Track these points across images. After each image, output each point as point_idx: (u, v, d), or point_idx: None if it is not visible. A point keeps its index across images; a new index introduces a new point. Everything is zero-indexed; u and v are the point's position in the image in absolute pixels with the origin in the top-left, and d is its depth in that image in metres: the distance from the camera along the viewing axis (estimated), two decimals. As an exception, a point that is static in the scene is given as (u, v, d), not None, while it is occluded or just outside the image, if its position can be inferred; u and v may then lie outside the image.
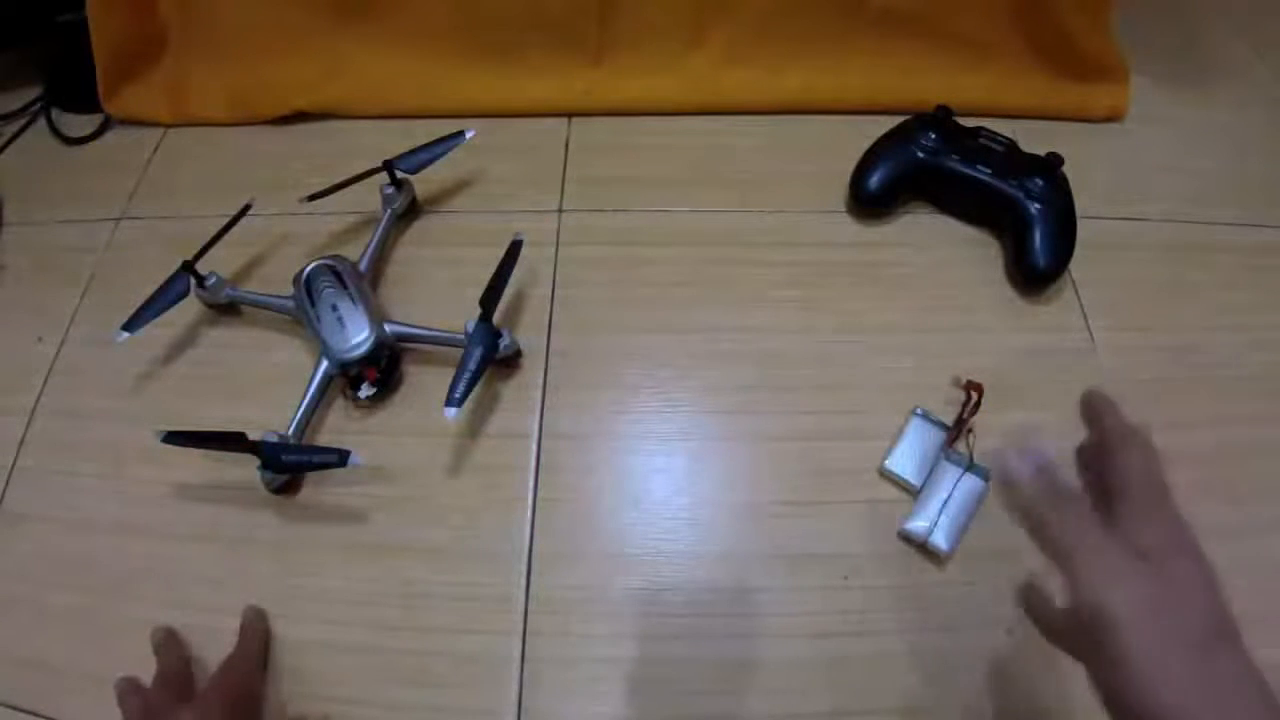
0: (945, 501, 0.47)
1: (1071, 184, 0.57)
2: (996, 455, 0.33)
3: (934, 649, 0.45)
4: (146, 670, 0.44)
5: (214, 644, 0.45)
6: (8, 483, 0.51)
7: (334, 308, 0.52)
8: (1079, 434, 0.50)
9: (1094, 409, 0.34)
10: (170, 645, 0.44)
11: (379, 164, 0.57)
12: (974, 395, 0.50)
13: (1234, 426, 0.51)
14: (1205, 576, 0.28)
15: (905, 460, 0.49)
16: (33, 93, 0.69)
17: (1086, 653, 0.28)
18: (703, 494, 0.50)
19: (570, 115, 0.67)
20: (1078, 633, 0.29)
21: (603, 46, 0.66)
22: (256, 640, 0.44)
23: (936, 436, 0.50)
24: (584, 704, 0.44)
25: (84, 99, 0.67)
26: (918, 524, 0.47)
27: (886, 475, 0.49)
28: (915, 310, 0.56)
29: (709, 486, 0.50)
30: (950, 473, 0.48)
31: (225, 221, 0.56)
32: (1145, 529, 0.29)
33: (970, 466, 0.48)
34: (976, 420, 0.50)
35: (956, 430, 0.50)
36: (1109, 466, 0.32)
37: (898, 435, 0.50)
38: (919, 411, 0.51)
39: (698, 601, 0.46)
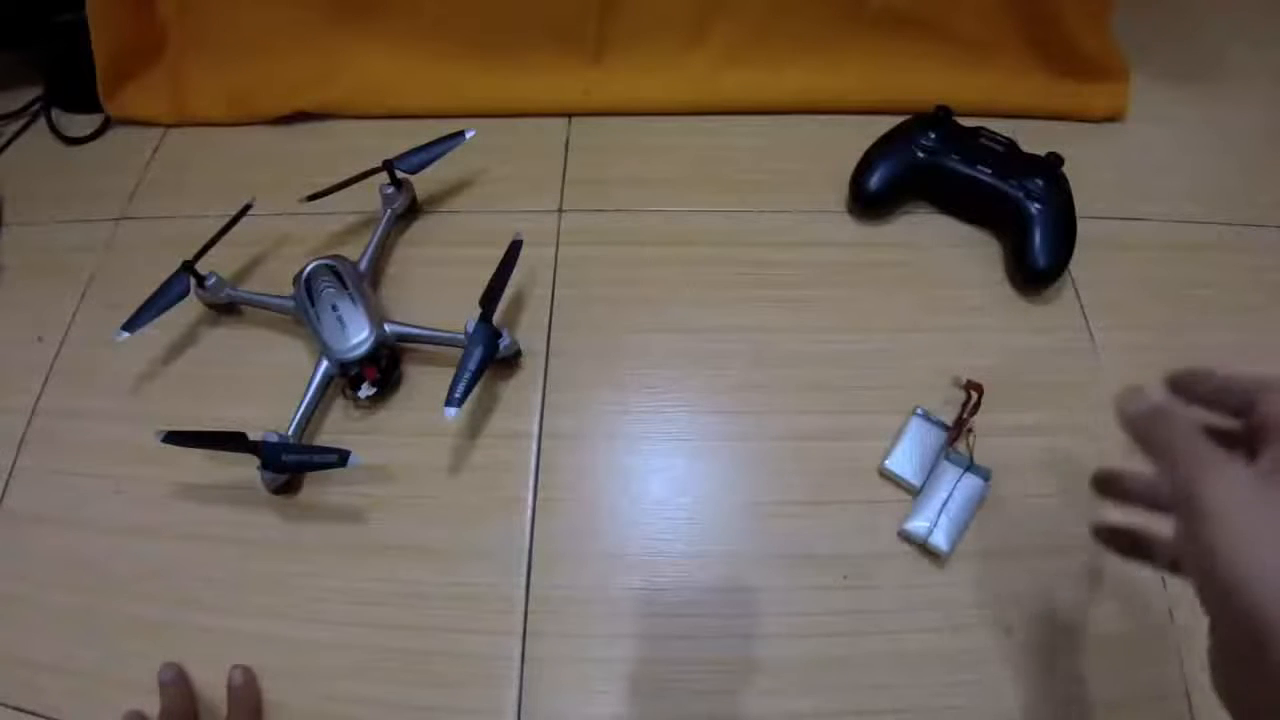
0: (945, 501, 0.47)
1: (1071, 184, 0.57)
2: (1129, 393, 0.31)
3: (934, 650, 0.45)
4: (146, 670, 0.44)
5: (214, 644, 0.45)
6: (8, 483, 0.51)
7: (334, 308, 0.52)
8: (1079, 433, 0.51)
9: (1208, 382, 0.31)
10: (177, 686, 0.43)
11: (379, 164, 0.57)
12: (974, 395, 0.50)
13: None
14: None
15: (905, 460, 0.49)
16: (33, 93, 0.69)
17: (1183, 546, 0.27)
18: (702, 494, 0.50)
19: (570, 115, 0.67)
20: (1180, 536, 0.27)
21: (602, 46, 0.66)
22: (249, 704, 0.43)
23: (937, 437, 0.50)
24: (584, 704, 0.44)
25: (84, 99, 0.67)
26: (918, 524, 0.47)
27: (886, 475, 0.49)
28: (915, 310, 0.56)
29: (709, 486, 0.50)
30: (950, 472, 0.48)
31: (225, 221, 0.56)
32: None
33: (970, 466, 0.48)
34: (977, 420, 0.50)
35: (957, 430, 0.50)
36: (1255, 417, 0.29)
37: (898, 435, 0.50)
38: (919, 411, 0.51)
39: (698, 601, 0.46)
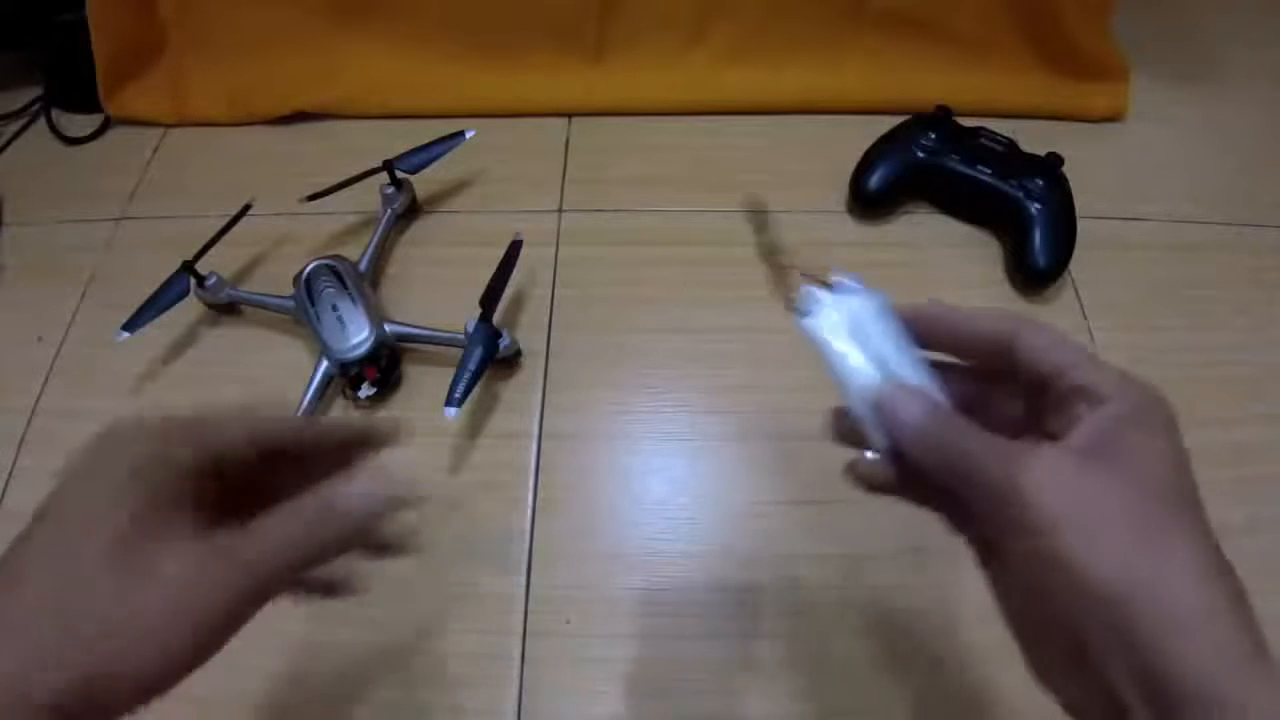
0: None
1: (1071, 184, 0.57)
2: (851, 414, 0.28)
3: (934, 649, 0.45)
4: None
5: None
6: (8, 483, 0.51)
7: (334, 308, 0.52)
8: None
9: (949, 320, 0.28)
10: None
11: (379, 164, 0.57)
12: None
13: (1237, 426, 0.51)
14: (1162, 449, 0.24)
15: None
16: (33, 93, 0.69)
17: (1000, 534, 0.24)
18: (703, 493, 0.50)
19: (570, 115, 0.67)
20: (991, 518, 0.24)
21: (603, 45, 0.66)
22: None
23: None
24: (584, 704, 0.44)
25: (84, 99, 0.67)
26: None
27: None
28: (915, 310, 0.56)
29: (709, 486, 0.50)
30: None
31: (225, 221, 0.56)
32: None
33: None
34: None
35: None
36: (1016, 366, 0.26)
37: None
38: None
39: (698, 601, 0.46)
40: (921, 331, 0.28)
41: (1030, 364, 0.26)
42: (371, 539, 0.33)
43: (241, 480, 0.27)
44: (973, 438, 0.24)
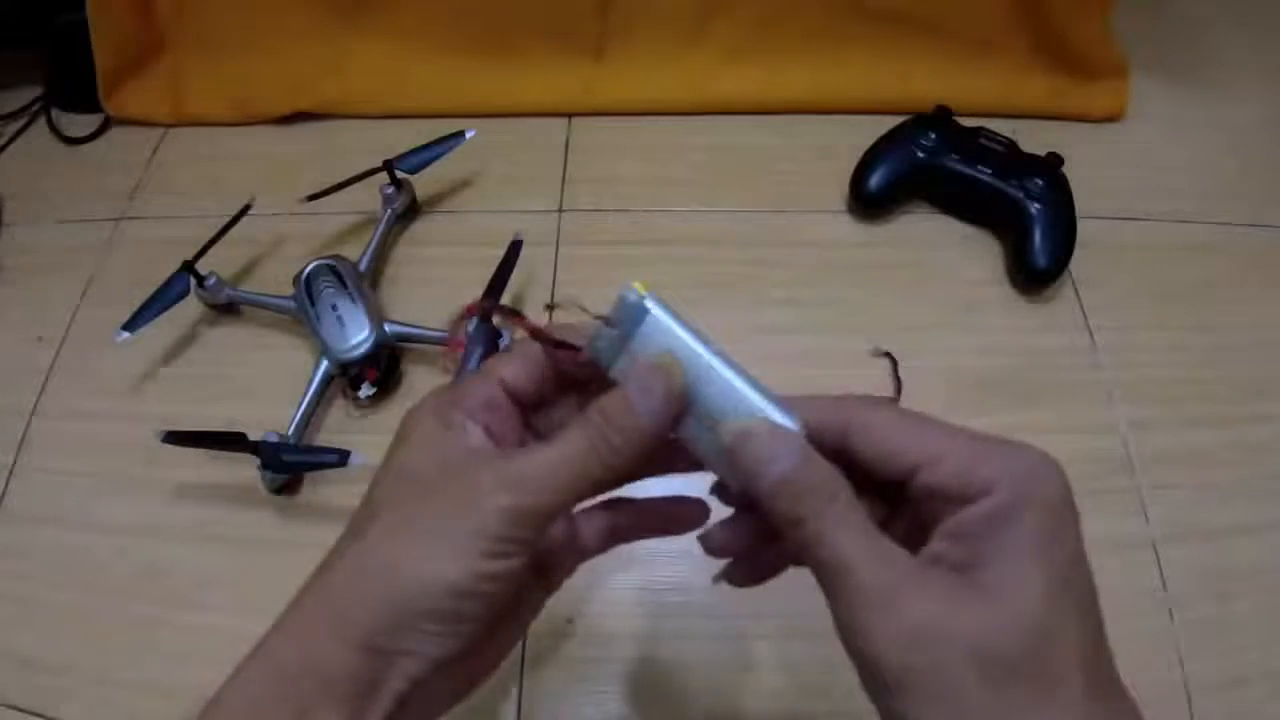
0: None
1: (1071, 184, 0.57)
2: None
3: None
4: (146, 671, 0.44)
5: (214, 644, 0.44)
6: (8, 483, 0.51)
7: (334, 308, 0.52)
8: (1078, 433, 0.51)
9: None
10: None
11: (379, 164, 0.57)
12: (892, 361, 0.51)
13: (1238, 426, 0.51)
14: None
15: None
16: (33, 93, 0.69)
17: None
18: (703, 493, 0.50)
19: (570, 115, 0.67)
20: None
21: (603, 44, 0.66)
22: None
23: None
24: (584, 704, 0.44)
25: (84, 99, 0.67)
26: None
27: None
28: (915, 310, 0.56)
29: (709, 485, 0.50)
30: None
31: (225, 221, 0.56)
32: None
33: None
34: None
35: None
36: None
37: None
38: None
39: (698, 601, 0.46)
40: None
41: (873, 456, 0.23)
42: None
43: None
44: (845, 520, 0.22)
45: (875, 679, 0.20)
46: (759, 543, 0.26)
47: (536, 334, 0.26)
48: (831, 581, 0.22)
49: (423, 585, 0.22)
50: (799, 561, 0.25)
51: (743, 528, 0.26)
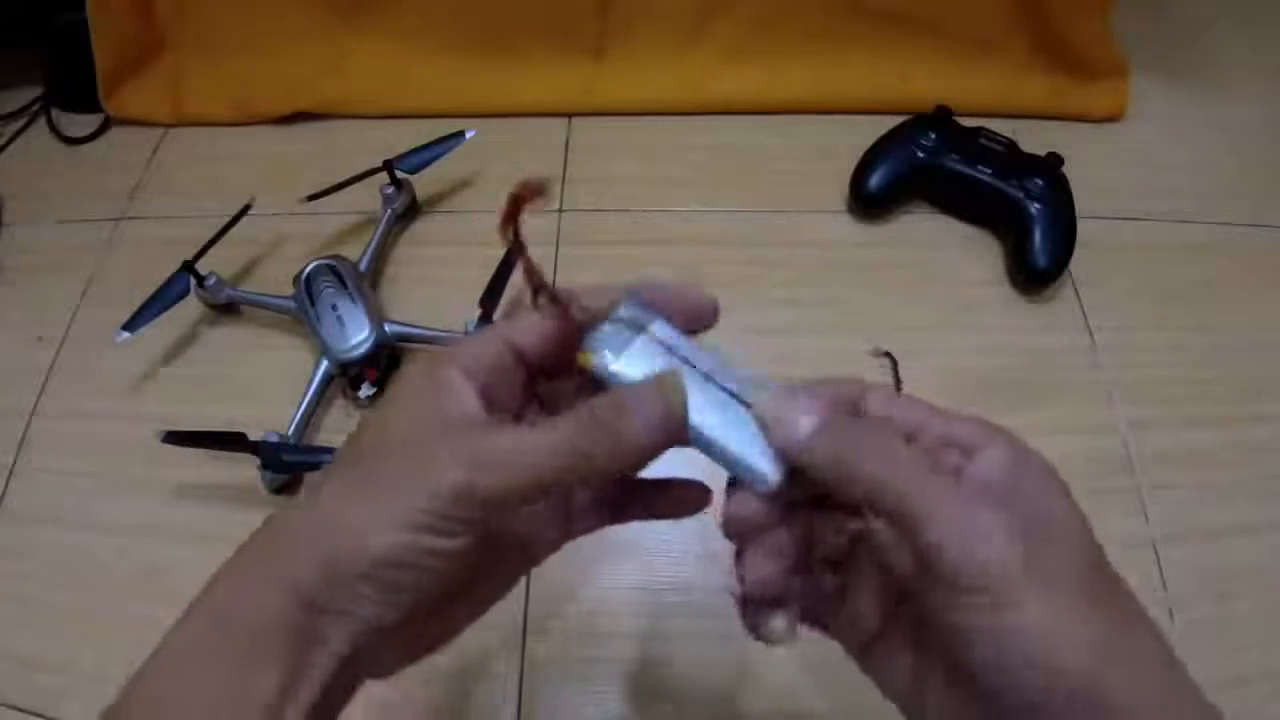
0: None
1: (1071, 184, 0.57)
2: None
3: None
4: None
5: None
6: (8, 483, 0.51)
7: (334, 308, 0.52)
8: (1078, 433, 0.51)
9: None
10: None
11: (379, 164, 0.57)
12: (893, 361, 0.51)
13: (1238, 426, 0.51)
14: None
15: None
16: (33, 93, 0.69)
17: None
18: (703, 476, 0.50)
19: (570, 115, 0.67)
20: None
21: (603, 44, 0.66)
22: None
23: None
24: (584, 704, 0.44)
25: (84, 99, 0.67)
26: None
27: None
28: (915, 310, 0.56)
29: (710, 484, 0.50)
30: None
31: (225, 221, 0.56)
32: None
33: None
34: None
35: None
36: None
37: None
38: None
39: (698, 602, 0.46)
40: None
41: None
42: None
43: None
44: (892, 442, 0.22)
45: (967, 578, 0.20)
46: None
47: (529, 274, 0.25)
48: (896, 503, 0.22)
49: (358, 548, 0.21)
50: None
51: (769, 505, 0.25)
